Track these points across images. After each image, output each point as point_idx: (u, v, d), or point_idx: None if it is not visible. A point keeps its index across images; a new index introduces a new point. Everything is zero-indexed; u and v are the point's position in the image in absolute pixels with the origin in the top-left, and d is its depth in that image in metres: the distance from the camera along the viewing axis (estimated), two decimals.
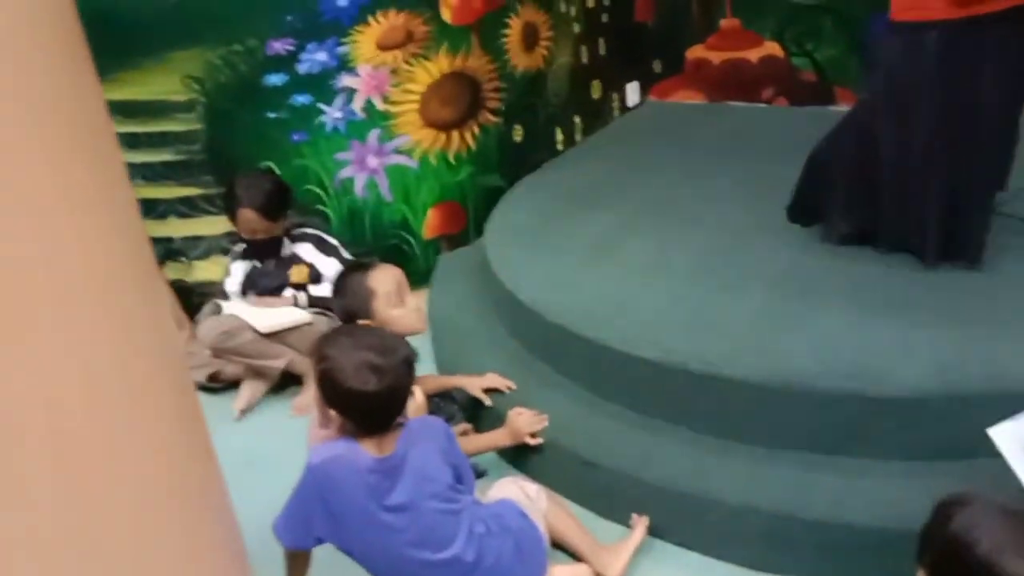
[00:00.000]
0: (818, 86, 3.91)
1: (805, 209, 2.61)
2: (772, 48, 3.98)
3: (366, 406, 1.64)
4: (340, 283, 2.16)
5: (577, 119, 3.76)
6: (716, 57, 4.13)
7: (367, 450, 1.66)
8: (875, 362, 1.93)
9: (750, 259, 2.47)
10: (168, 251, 3.03)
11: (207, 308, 2.89)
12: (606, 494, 2.13)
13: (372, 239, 3.03)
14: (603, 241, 2.71)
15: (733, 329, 2.13)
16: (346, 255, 2.78)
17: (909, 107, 2.24)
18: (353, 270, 2.18)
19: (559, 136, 3.65)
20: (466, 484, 1.80)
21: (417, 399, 1.88)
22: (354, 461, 1.65)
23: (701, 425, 2.09)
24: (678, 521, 2.03)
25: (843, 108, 3.75)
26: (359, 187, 2.96)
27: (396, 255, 3.06)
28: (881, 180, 2.35)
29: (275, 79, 2.75)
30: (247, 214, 2.62)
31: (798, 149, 2.59)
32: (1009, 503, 1.29)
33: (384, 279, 2.11)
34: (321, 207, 2.95)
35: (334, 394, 1.65)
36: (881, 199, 2.37)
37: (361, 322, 2.05)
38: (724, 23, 4.05)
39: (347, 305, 2.11)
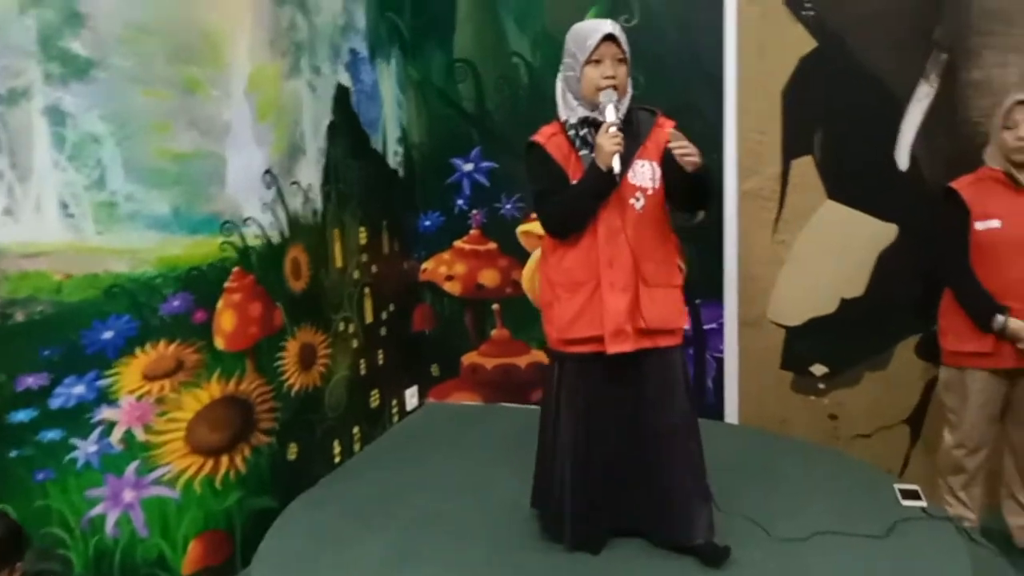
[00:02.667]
0: None
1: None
2: (539, 356, 4.35)
3: None
4: None
5: (356, 429, 3.80)
6: (489, 362, 4.44)
7: None
8: None
9: None
10: None
11: None
12: None
13: None
14: (379, 571, 2.65)
15: None
16: None
17: (554, 422, 2.73)
18: None
19: (336, 448, 3.65)
20: None
21: None
22: None
23: None
24: None
25: None
26: (110, 525, 2.73)
27: None
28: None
29: (22, 415, 2.56)
30: None
31: None
32: None
33: None
34: (63, 551, 2.66)
35: None
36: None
37: None
38: (495, 333, 4.41)
39: None
